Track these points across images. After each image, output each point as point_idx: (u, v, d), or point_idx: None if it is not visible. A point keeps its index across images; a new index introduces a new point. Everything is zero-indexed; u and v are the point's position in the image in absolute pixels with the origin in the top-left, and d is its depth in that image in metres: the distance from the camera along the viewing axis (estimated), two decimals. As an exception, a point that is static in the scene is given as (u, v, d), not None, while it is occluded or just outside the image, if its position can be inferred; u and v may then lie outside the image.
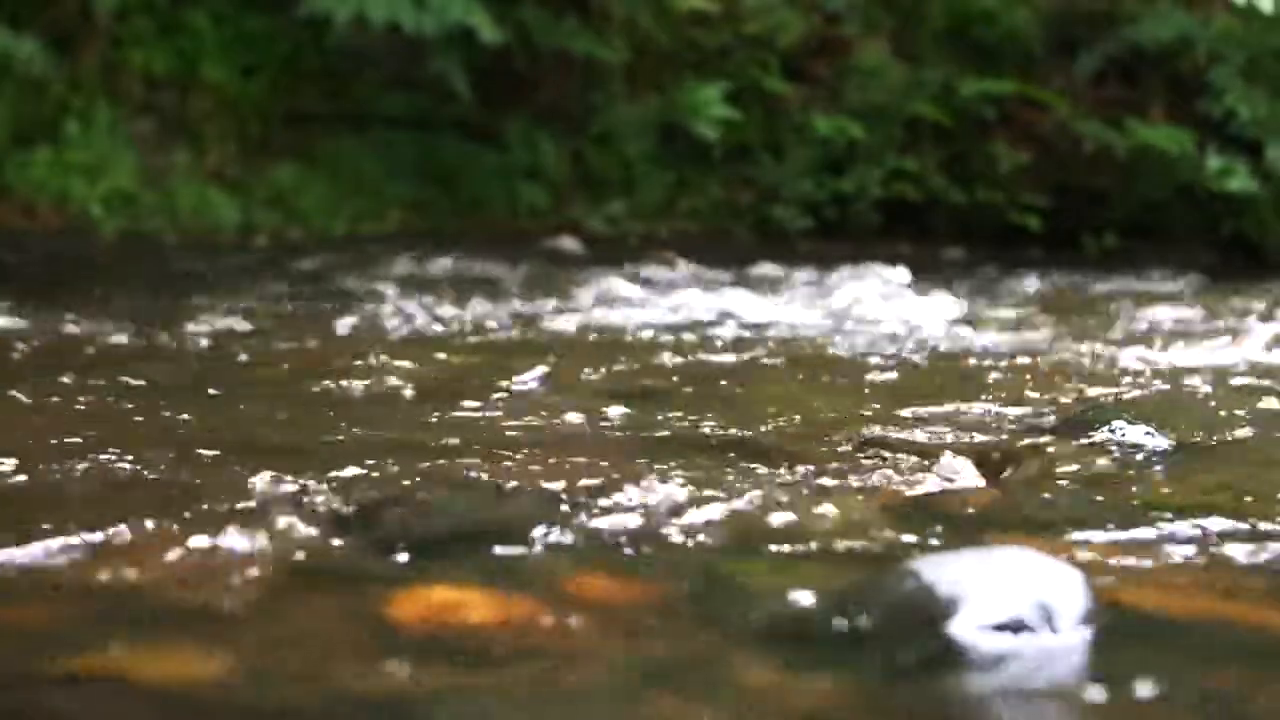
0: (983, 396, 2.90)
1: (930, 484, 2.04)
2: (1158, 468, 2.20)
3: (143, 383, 2.96)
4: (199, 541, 1.65)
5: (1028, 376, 3.30)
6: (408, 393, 2.87)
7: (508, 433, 2.46)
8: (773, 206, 8.92)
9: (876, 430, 2.44)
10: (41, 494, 1.91)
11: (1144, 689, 1.27)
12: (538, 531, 1.71)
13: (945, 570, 1.37)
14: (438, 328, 4.25)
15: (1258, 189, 7.54)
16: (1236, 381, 3.21)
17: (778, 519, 1.82)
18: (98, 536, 1.66)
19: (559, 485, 1.92)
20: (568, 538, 1.70)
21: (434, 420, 2.56)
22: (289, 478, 1.94)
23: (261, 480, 1.92)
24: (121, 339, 3.76)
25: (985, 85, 8.82)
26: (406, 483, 1.91)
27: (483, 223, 8.35)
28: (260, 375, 3.08)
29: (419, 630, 1.40)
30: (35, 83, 7.61)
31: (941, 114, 8.91)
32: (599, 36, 8.73)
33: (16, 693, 1.23)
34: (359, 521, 1.75)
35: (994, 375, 3.32)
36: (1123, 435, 2.31)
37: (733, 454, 2.22)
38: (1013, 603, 1.34)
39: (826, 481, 2.01)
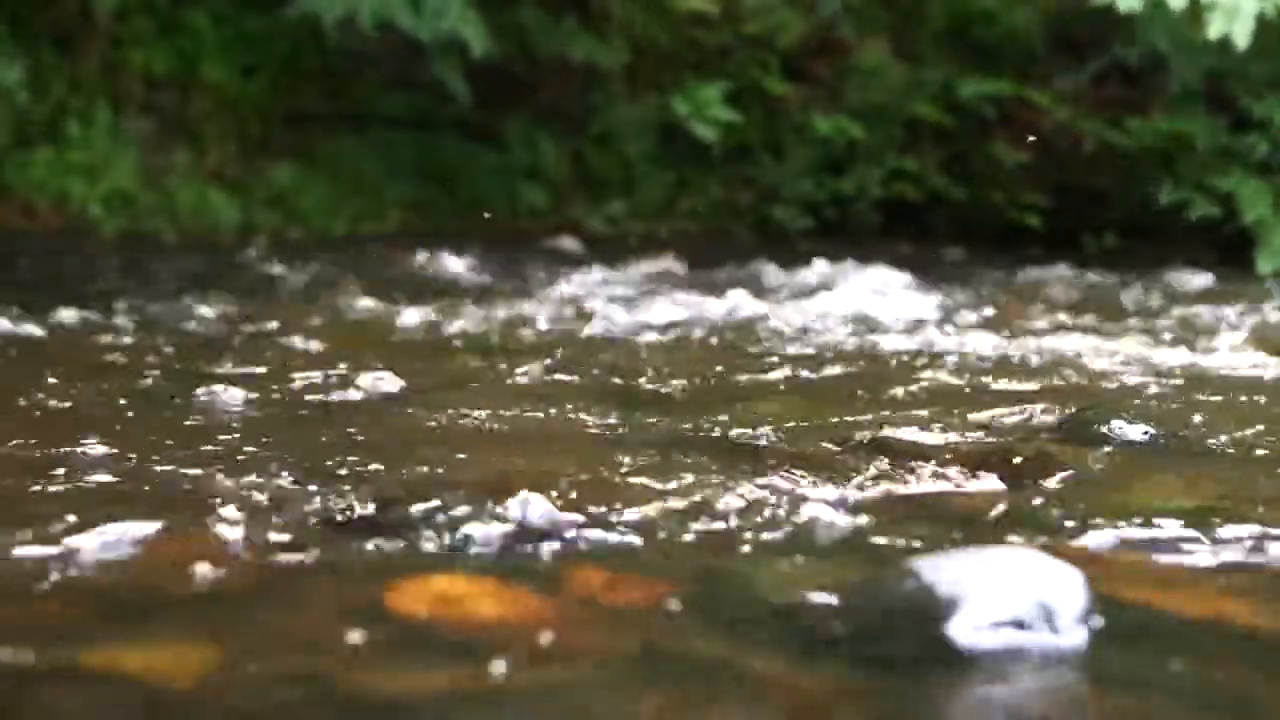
0: (983, 396, 2.90)
1: (930, 484, 2.04)
2: (1157, 468, 2.20)
3: (138, 381, 2.96)
4: (196, 538, 1.65)
5: (1028, 376, 3.30)
6: (406, 392, 2.87)
7: (508, 432, 2.46)
8: (773, 206, 8.92)
9: (876, 430, 2.43)
10: (39, 492, 1.91)
11: (1144, 689, 1.27)
12: (538, 530, 1.71)
13: (945, 570, 1.37)
14: (437, 327, 4.25)
15: (1219, 214, 7.61)
16: (1236, 381, 3.21)
17: (778, 518, 1.82)
18: (94, 534, 1.66)
19: (559, 483, 1.92)
20: (568, 536, 1.70)
21: (433, 419, 2.56)
22: (287, 475, 1.95)
23: (259, 478, 1.92)
24: (117, 339, 3.76)
25: (985, 86, 8.82)
26: (405, 481, 1.91)
27: (483, 223, 8.35)
28: (256, 374, 3.07)
29: (418, 628, 1.40)
30: (27, 94, 7.61)
31: (941, 114, 8.91)
32: (599, 37, 8.73)
33: (11, 688, 1.23)
34: (358, 518, 1.75)
35: (994, 375, 3.32)
36: (1123, 435, 2.31)
37: (733, 453, 2.22)
38: (1013, 603, 1.34)
39: (826, 481, 2.01)
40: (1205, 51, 7.61)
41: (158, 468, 2.05)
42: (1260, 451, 2.34)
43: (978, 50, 9.26)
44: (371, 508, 1.78)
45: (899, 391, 3.01)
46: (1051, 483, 2.07)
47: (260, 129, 8.42)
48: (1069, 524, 1.81)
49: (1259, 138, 7.71)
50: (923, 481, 2.05)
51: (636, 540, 1.71)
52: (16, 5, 7.74)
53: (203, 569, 1.56)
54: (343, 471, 1.97)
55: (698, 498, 1.88)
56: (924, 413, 2.65)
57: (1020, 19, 9.27)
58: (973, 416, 2.63)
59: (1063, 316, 4.80)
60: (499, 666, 1.28)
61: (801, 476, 2.03)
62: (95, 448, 2.16)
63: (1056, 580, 1.38)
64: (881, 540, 1.74)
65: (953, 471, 2.11)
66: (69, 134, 7.77)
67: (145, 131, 8.09)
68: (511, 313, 4.58)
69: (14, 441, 2.22)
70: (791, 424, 2.54)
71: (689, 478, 1.98)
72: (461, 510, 1.74)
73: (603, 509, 1.81)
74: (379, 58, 8.46)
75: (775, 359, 3.65)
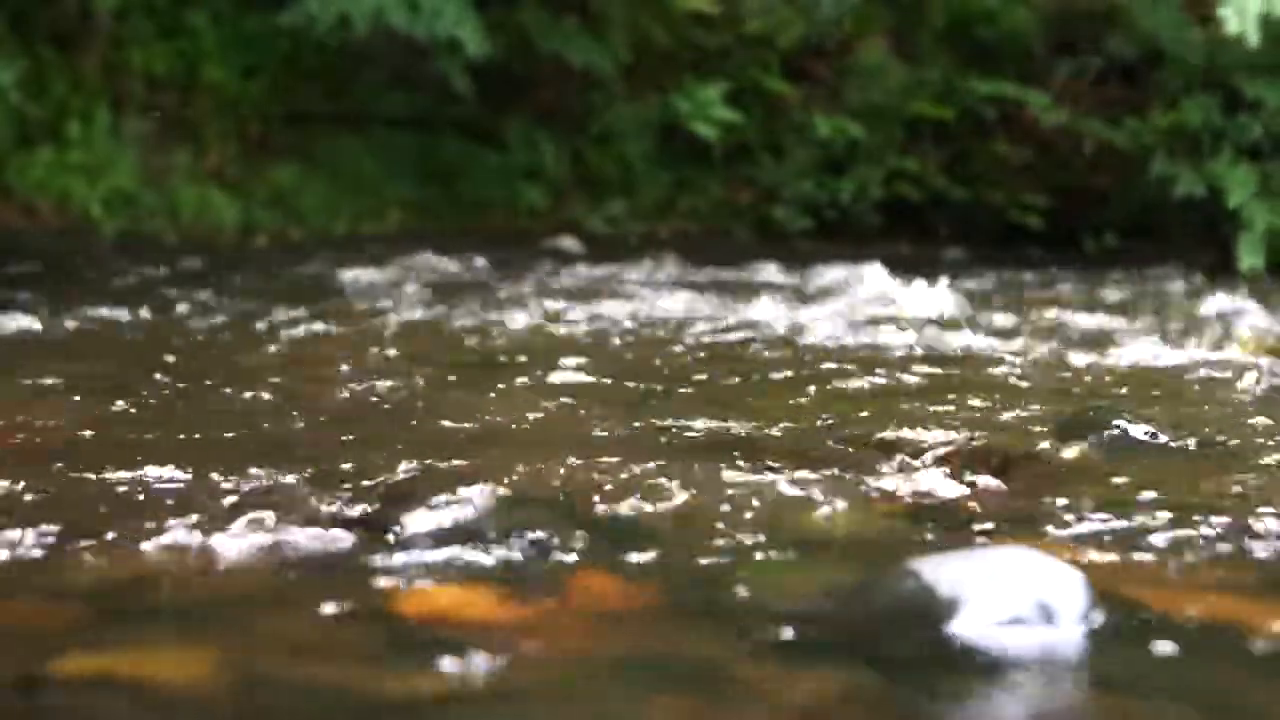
0: (983, 397, 2.90)
1: (931, 484, 2.04)
2: (1158, 467, 2.20)
3: (140, 381, 2.96)
4: (199, 541, 1.65)
5: (1028, 376, 3.30)
6: (408, 393, 2.87)
7: (509, 433, 2.46)
8: (773, 207, 8.92)
9: (877, 430, 2.43)
10: (42, 493, 1.91)
11: (1144, 688, 1.27)
12: (539, 531, 1.71)
13: (945, 570, 1.37)
14: (438, 328, 4.25)
15: (1203, 192, 7.64)
16: (1236, 381, 3.21)
17: (778, 519, 1.82)
18: (96, 536, 1.66)
19: (560, 485, 1.92)
20: (569, 538, 1.70)
21: (434, 420, 2.56)
22: (290, 477, 1.95)
23: (262, 480, 1.92)
24: (117, 338, 3.76)
25: (985, 86, 8.82)
26: (408, 482, 1.91)
27: (483, 223, 8.35)
28: (258, 375, 3.07)
29: (420, 630, 1.40)
30: (27, 94, 7.62)
31: (942, 113, 8.91)
32: (599, 38, 8.73)
33: (13, 693, 1.23)
34: (360, 521, 1.75)
35: (994, 376, 3.32)
36: (1123, 435, 2.31)
37: (733, 454, 2.22)
38: (1013, 602, 1.34)
39: (827, 481, 2.01)
40: (1204, 47, 7.61)
41: (157, 468, 2.05)
42: (1261, 451, 2.34)
43: (978, 50, 9.26)
44: (373, 511, 1.78)
45: (899, 391, 3.01)
46: (1051, 483, 2.07)
47: (260, 129, 8.43)
48: (1069, 524, 1.81)
49: (1250, 118, 7.71)
50: (923, 481, 2.05)
51: (635, 542, 1.70)
52: (16, 5, 7.74)
53: (206, 573, 1.57)
54: (345, 474, 1.97)
55: (697, 498, 1.88)
56: (924, 412, 2.65)
57: (1020, 19, 9.27)
58: (972, 417, 2.63)
59: (1062, 316, 4.80)
60: (499, 670, 1.28)
61: (800, 476, 2.03)
62: (92, 447, 2.16)
63: (1056, 580, 1.38)
64: (881, 540, 1.74)
65: (952, 471, 2.11)
66: (69, 134, 7.77)
67: (145, 131, 8.09)
68: (510, 313, 4.58)
69: (10, 441, 2.22)
70: (791, 424, 2.54)
71: (688, 478, 1.98)
72: (462, 513, 1.74)
73: (602, 510, 1.81)
74: (379, 57, 8.46)
75: (775, 359, 3.65)
